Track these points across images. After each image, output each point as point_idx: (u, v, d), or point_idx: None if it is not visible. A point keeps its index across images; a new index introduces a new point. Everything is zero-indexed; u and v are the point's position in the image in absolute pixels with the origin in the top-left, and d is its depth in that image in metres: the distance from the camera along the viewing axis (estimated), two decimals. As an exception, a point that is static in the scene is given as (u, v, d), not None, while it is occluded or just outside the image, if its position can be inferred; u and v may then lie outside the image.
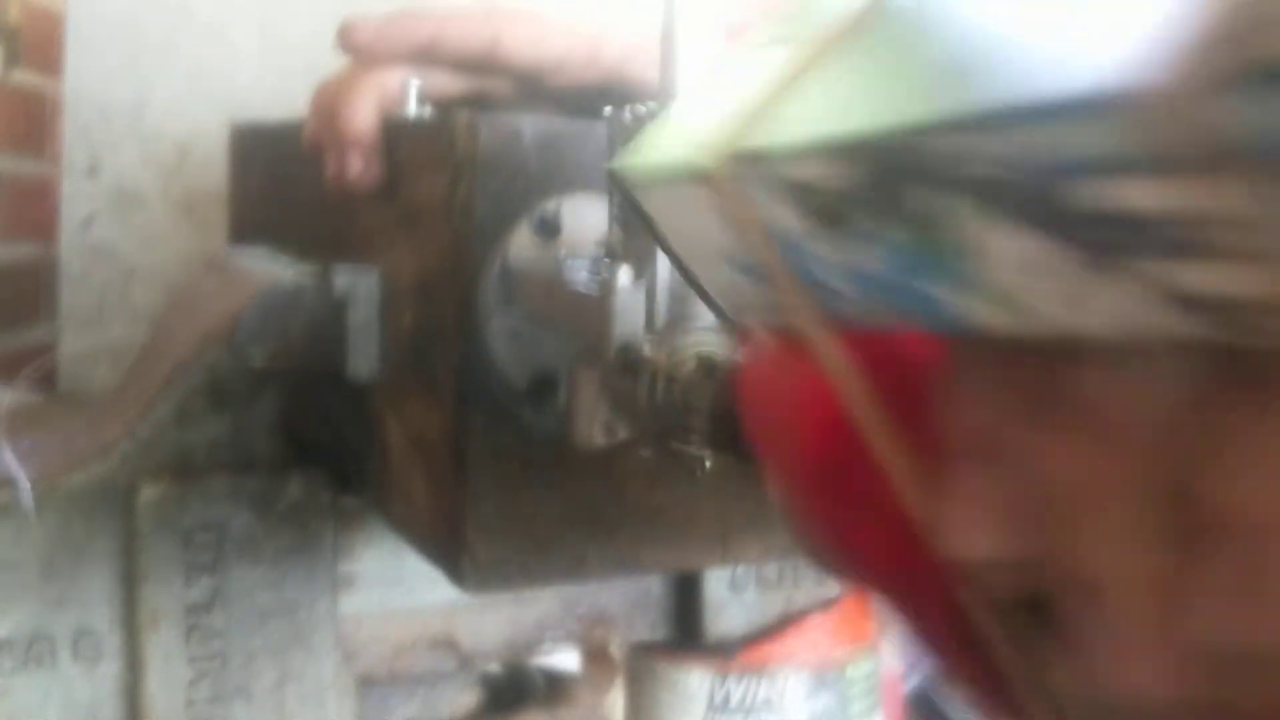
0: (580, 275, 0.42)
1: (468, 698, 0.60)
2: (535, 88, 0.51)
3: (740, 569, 0.59)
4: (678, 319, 0.37)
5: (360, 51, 0.48)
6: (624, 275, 0.37)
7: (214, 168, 0.93)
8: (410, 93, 0.48)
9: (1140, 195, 0.12)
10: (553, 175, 0.44)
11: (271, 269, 0.53)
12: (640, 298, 0.37)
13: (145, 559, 0.49)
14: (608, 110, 0.40)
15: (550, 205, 0.43)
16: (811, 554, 0.25)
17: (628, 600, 0.60)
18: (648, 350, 0.36)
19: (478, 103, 0.51)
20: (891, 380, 0.20)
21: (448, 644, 0.57)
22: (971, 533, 0.19)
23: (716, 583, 0.59)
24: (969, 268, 0.16)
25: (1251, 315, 0.13)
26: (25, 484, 0.48)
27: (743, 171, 0.18)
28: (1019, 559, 0.18)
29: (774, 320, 0.22)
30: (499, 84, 0.51)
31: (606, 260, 0.40)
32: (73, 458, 0.50)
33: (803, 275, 0.19)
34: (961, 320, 0.17)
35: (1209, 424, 0.16)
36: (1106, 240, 0.13)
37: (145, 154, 1.01)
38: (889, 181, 0.16)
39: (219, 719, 0.51)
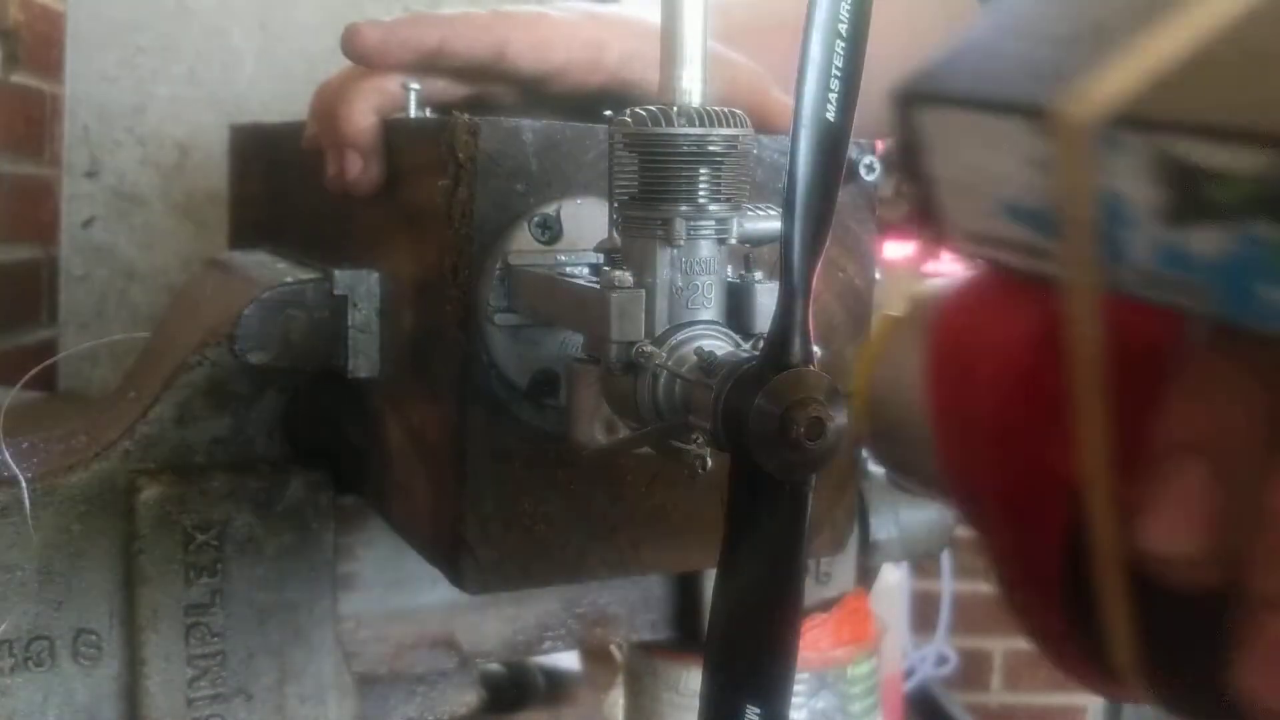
0: (580, 275, 0.42)
1: (468, 697, 0.60)
2: (538, 93, 0.51)
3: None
4: (677, 319, 0.37)
5: (365, 58, 0.48)
6: (624, 275, 0.37)
7: (214, 169, 0.93)
8: (410, 94, 0.48)
9: None
10: (553, 177, 0.44)
11: (272, 269, 0.53)
12: (640, 298, 0.37)
13: (145, 559, 0.49)
14: (608, 113, 0.40)
15: (550, 207, 0.43)
16: (947, 494, 0.25)
17: (628, 600, 0.60)
18: (648, 350, 0.37)
19: (477, 107, 0.51)
20: (1128, 357, 0.20)
21: (448, 644, 0.57)
22: (1174, 530, 0.19)
23: (716, 583, 0.59)
24: None
25: None
26: (25, 484, 0.48)
27: (1116, 134, 0.17)
28: (1211, 562, 0.19)
29: (1019, 263, 0.21)
30: (502, 90, 0.51)
31: (606, 261, 0.40)
32: (73, 458, 0.50)
33: (1106, 240, 0.18)
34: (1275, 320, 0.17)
35: None
36: None
37: (145, 155, 1.01)
38: None
39: (219, 719, 0.51)
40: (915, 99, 0.21)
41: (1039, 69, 0.18)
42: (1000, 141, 0.19)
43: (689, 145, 0.37)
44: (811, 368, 0.33)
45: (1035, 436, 0.22)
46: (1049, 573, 0.23)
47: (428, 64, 0.48)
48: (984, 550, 0.25)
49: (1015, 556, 0.24)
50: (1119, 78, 0.17)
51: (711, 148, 0.37)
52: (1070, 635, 0.23)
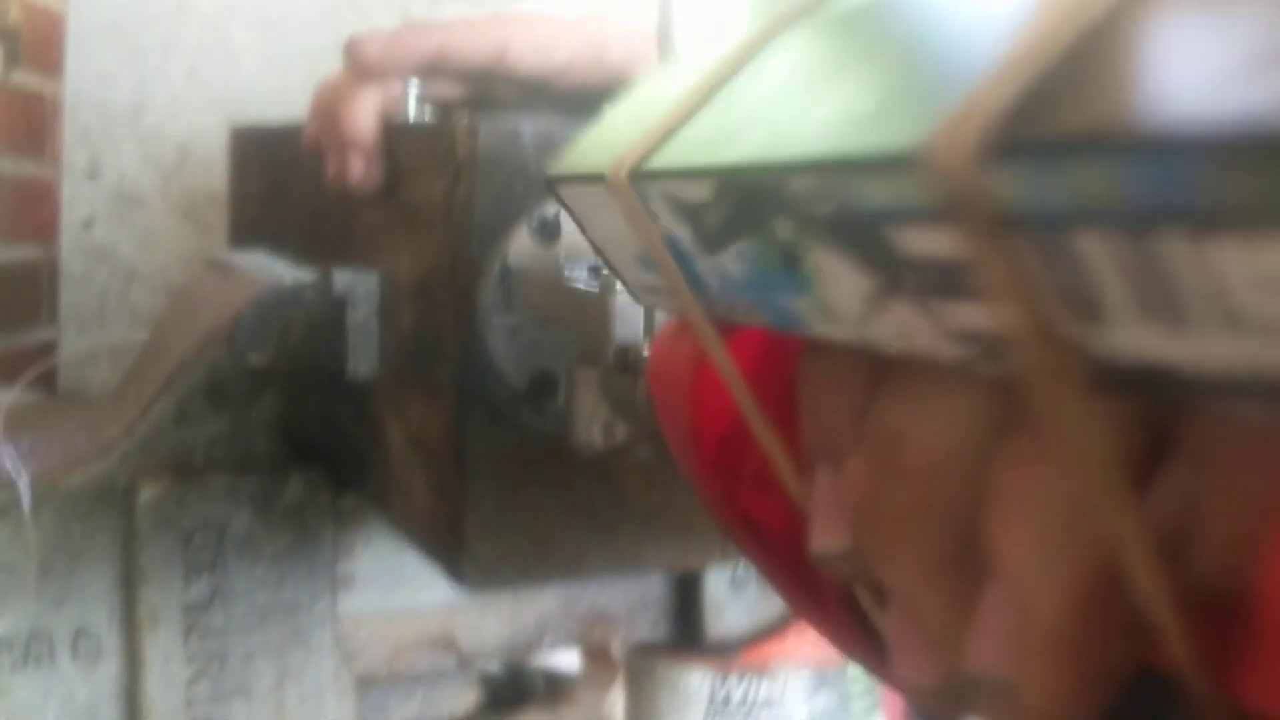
0: (580, 276, 0.42)
1: (468, 698, 0.60)
2: (540, 92, 0.51)
3: (740, 568, 0.59)
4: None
5: (368, 67, 0.48)
6: (623, 276, 0.37)
7: (214, 169, 0.93)
8: (411, 94, 0.48)
9: (926, 241, 0.14)
10: (552, 176, 0.44)
11: (271, 270, 0.53)
12: (640, 298, 0.37)
13: (144, 559, 0.50)
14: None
15: (550, 207, 0.43)
16: (716, 524, 0.27)
17: (628, 600, 0.60)
18: (647, 350, 0.37)
19: (479, 104, 0.51)
20: (781, 376, 0.22)
21: (447, 644, 0.57)
22: (816, 529, 0.20)
23: (716, 582, 0.59)
24: (805, 282, 0.18)
25: (999, 351, 0.15)
26: (25, 484, 0.48)
27: (642, 187, 0.21)
28: (855, 554, 0.20)
29: (666, 304, 0.25)
30: (504, 90, 0.51)
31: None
32: (73, 458, 0.50)
33: (690, 277, 0.22)
34: (799, 324, 0.19)
35: (986, 466, 0.17)
36: (907, 276, 0.16)
37: (145, 155, 1.01)
38: (754, 207, 0.18)
39: (218, 719, 0.51)
40: (550, 181, 0.25)
41: (612, 145, 0.22)
42: (603, 205, 0.22)
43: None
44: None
45: (719, 464, 0.25)
46: (825, 593, 0.25)
47: (429, 70, 0.49)
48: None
49: (796, 587, 0.26)
50: (639, 142, 0.21)
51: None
52: (852, 629, 0.24)
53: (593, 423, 0.40)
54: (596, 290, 0.38)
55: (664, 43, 0.38)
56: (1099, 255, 0.12)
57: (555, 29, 0.50)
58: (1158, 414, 0.16)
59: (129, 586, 0.50)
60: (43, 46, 0.95)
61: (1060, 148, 0.12)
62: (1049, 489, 0.16)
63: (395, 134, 0.49)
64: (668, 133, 0.21)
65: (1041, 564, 0.16)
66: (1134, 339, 0.13)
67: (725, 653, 0.60)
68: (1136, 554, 0.15)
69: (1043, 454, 0.16)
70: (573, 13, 0.51)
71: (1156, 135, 0.11)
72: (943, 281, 0.15)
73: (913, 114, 0.14)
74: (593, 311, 0.38)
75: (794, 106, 0.18)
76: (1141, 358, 0.13)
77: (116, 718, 0.51)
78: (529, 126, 0.43)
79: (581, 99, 0.51)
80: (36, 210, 0.97)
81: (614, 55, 0.50)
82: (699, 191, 0.19)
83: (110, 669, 0.50)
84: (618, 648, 0.65)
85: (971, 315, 0.15)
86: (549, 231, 0.43)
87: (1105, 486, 0.15)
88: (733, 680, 0.61)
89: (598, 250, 0.25)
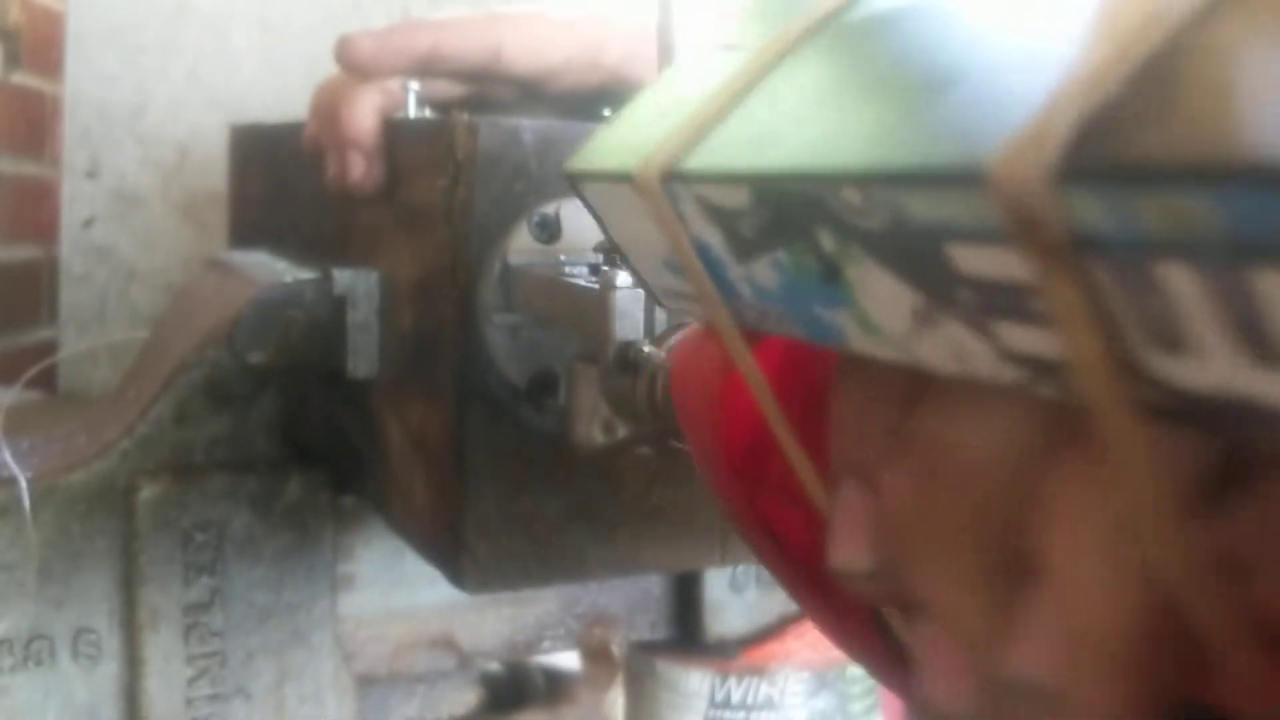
0: (580, 274, 0.42)
1: (468, 698, 0.60)
2: (537, 92, 0.51)
3: (740, 569, 0.59)
4: (677, 318, 0.37)
5: (361, 68, 0.48)
6: (623, 275, 0.37)
7: (214, 169, 0.93)
8: (410, 94, 0.48)
9: (987, 261, 0.14)
10: (552, 176, 0.44)
11: (271, 269, 0.53)
12: (640, 297, 0.37)
13: (144, 559, 0.50)
14: (607, 111, 0.40)
15: (550, 206, 0.43)
16: (736, 532, 0.26)
17: (628, 600, 0.60)
18: (647, 350, 0.37)
19: (478, 104, 0.51)
20: (805, 385, 0.22)
21: (447, 644, 0.57)
22: (839, 545, 0.20)
23: (716, 583, 0.59)
24: (846, 295, 0.17)
25: (1058, 375, 0.14)
26: (25, 484, 0.48)
27: (673, 188, 0.20)
28: (880, 572, 0.20)
29: (692, 309, 0.24)
30: (501, 90, 0.51)
31: (605, 261, 0.40)
32: (73, 458, 0.50)
33: (719, 283, 0.21)
34: (836, 337, 0.19)
35: (1035, 476, 0.17)
36: (961, 295, 0.15)
37: (145, 155, 1.01)
38: (795, 217, 0.17)
39: (218, 719, 0.51)
40: (572, 177, 0.24)
41: (639, 143, 0.21)
42: (631, 205, 0.22)
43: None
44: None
45: (743, 471, 0.25)
46: (846, 604, 0.24)
47: (423, 69, 0.48)
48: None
49: (816, 596, 0.25)
50: (669, 141, 0.20)
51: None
52: (872, 640, 0.24)
53: (593, 420, 0.40)
54: (596, 288, 0.38)
55: (664, 43, 0.38)
56: (1184, 287, 0.12)
57: (551, 29, 0.50)
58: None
59: (129, 587, 0.50)
60: (43, 46, 0.95)
61: (1146, 173, 0.11)
62: (1107, 508, 0.16)
63: (395, 134, 0.49)
64: (699, 133, 0.20)
65: (1099, 574, 0.16)
66: (1219, 372, 0.12)
67: (725, 653, 0.60)
68: (1188, 584, 0.14)
69: (1098, 475, 0.16)
70: (570, 13, 0.51)
71: (1265, 166, 0.10)
72: (1001, 302, 0.14)
73: (971, 127, 0.14)
74: (592, 310, 0.38)
75: (835, 111, 0.17)
76: (1225, 391, 0.12)
77: (116, 718, 0.51)
78: (529, 126, 0.43)
79: (578, 100, 0.51)
80: (36, 210, 0.97)
81: (611, 56, 0.50)
82: (735, 197, 0.18)
83: (110, 669, 0.50)
84: (618, 648, 0.65)
85: (1031, 338, 0.14)
86: (549, 230, 0.43)
87: (1158, 518, 0.14)
88: (732, 681, 0.61)
89: (620, 251, 0.25)
